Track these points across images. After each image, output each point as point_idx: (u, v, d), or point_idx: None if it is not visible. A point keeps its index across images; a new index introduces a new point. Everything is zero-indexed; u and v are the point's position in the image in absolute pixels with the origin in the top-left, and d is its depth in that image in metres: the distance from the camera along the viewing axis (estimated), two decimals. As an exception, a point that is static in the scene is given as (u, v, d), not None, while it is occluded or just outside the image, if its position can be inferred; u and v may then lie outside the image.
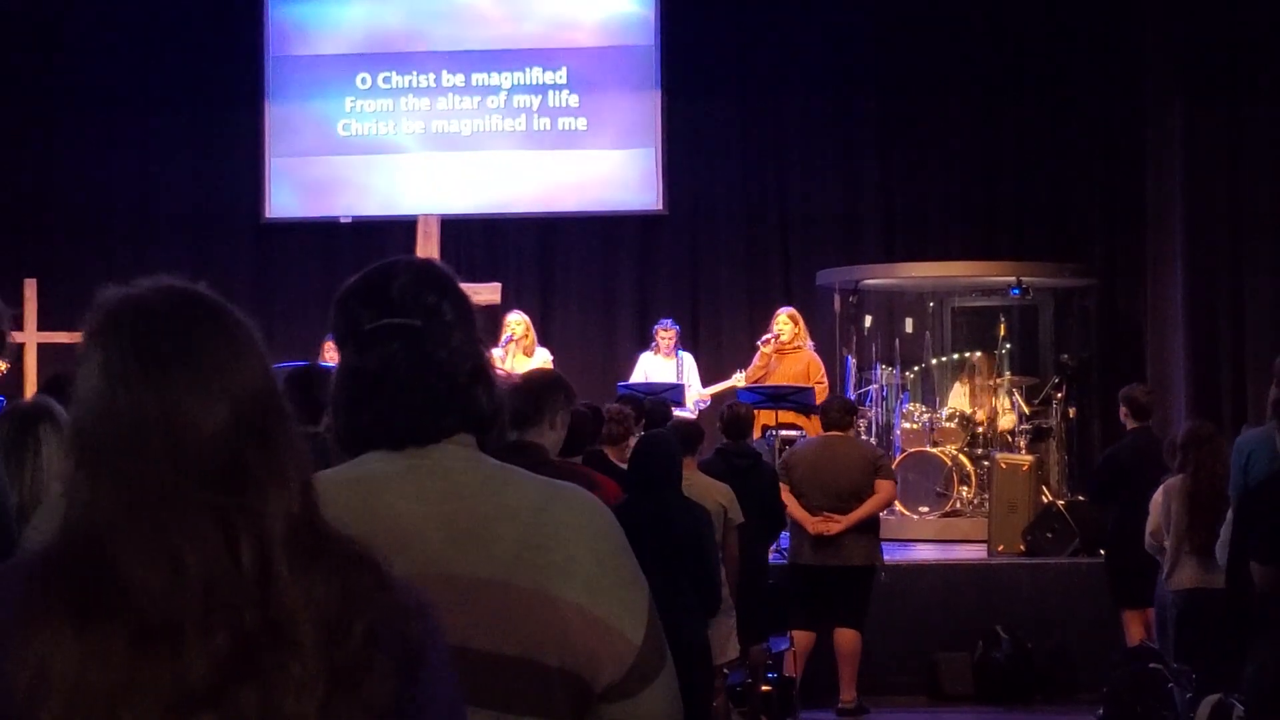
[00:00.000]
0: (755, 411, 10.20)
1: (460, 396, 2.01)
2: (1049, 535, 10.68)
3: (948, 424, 12.41)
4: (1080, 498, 11.16)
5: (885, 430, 12.84)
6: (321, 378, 6.19)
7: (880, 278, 13.52)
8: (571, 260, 14.62)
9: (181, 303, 1.53)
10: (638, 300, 14.38)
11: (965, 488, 12.21)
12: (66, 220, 14.55)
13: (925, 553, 11.39)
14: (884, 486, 9.38)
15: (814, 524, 9.11)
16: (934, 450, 12.28)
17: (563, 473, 4.69)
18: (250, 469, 1.46)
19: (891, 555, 10.98)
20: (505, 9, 14.59)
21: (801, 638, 9.20)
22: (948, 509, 12.16)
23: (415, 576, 1.87)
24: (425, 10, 14.67)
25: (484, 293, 10.88)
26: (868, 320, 13.49)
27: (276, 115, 14.60)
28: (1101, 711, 8.37)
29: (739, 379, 12.08)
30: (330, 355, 10.97)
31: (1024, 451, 11.93)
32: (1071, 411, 12.75)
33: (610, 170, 14.44)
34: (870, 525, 9.31)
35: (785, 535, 9.45)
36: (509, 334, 11.76)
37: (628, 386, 11.16)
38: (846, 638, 9.29)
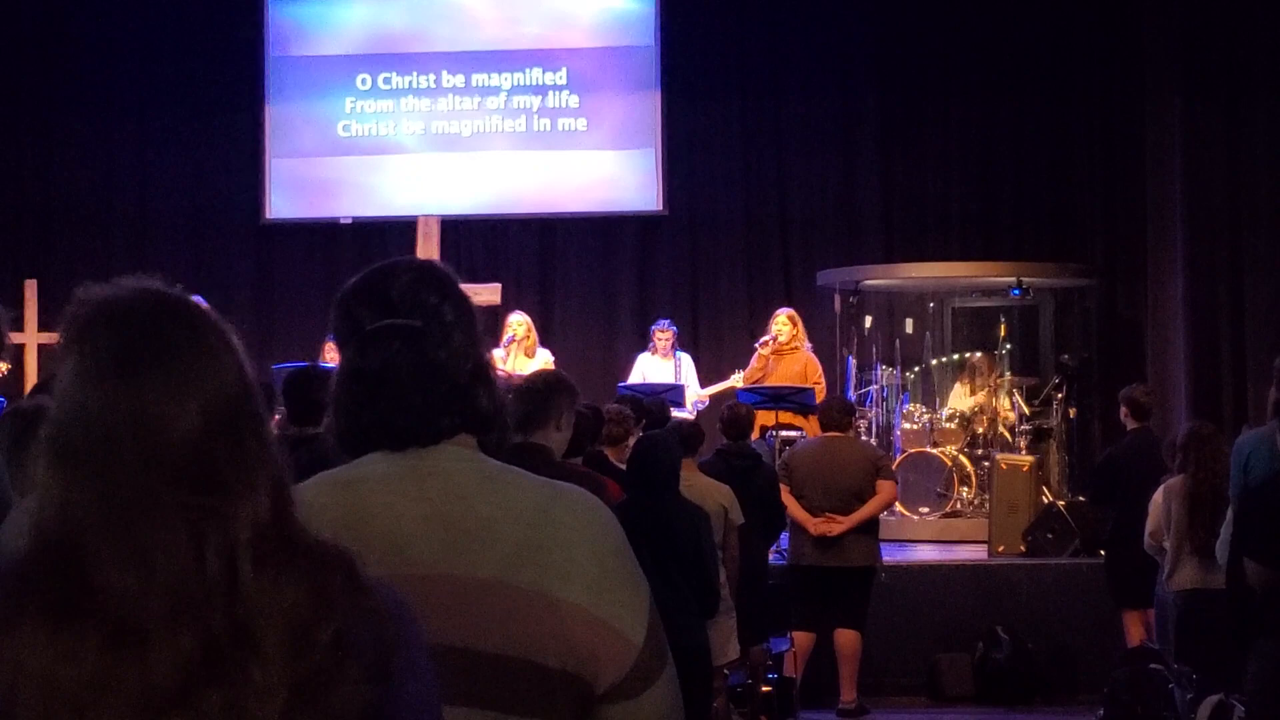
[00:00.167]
0: (755, 412, 10.19)
1: (461, 397, 2.01)
2: (1049, 536, 10.68)
3: (948, 424, 12.41)
4: (1080, 498, 11.16)
5: (885, 431, 12.84)
6: (321, 378, 6.19)
7: (880, 278, 13.52)
8: (571, 261, 14.62)
9: (154, 305, 1.53)
10: (638, 301, 14.38)
11: (965, 488, 12.21)
12: (66, 221, 14.55)
13: (926, 553, 11.39)
14: (885, 487, 9.38)
15: (816, 525, 9.11)
16: (934, 451, 12.28)
17: (570, 475, 4.70)
18: (220, 472, 1.46)
19: (892, 556, 10.98)
20: (505, 10, 14.59)
21: (801, 638, 9.20)
22: (948, 509, 12.16)
23: (415, 577, 1.88)
24: (425, 11, 14.67)
25: (484, 293, 10.88)
26: (868, 321, 13.49)
27: (276, 116, 14.61)
28: (1102, 712, 8.37)
29: (737, 380, 12.08)
30: (330, 356, 10.97)
31: (1024, 452, 11.92)
32: (1072, 412, 12.75)
33: (610, 171, 14.44)
34: (870, 525, 9.32)
35: (784, 536, 9.45)
36: (510, 335, 11.76)
37: (628, 387, 11.15)
38: (847, 638, 9.29)
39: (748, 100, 14.49)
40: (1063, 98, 14.08)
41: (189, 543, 1.42)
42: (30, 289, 11.18)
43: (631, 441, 6.99)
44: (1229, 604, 5.75)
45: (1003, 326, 13.19)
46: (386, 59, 14.57)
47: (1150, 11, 13.23)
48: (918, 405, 12.82)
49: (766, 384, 11.67)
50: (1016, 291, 12.86)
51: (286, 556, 1.47)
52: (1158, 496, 7.86)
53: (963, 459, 12.26)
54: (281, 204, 14.65)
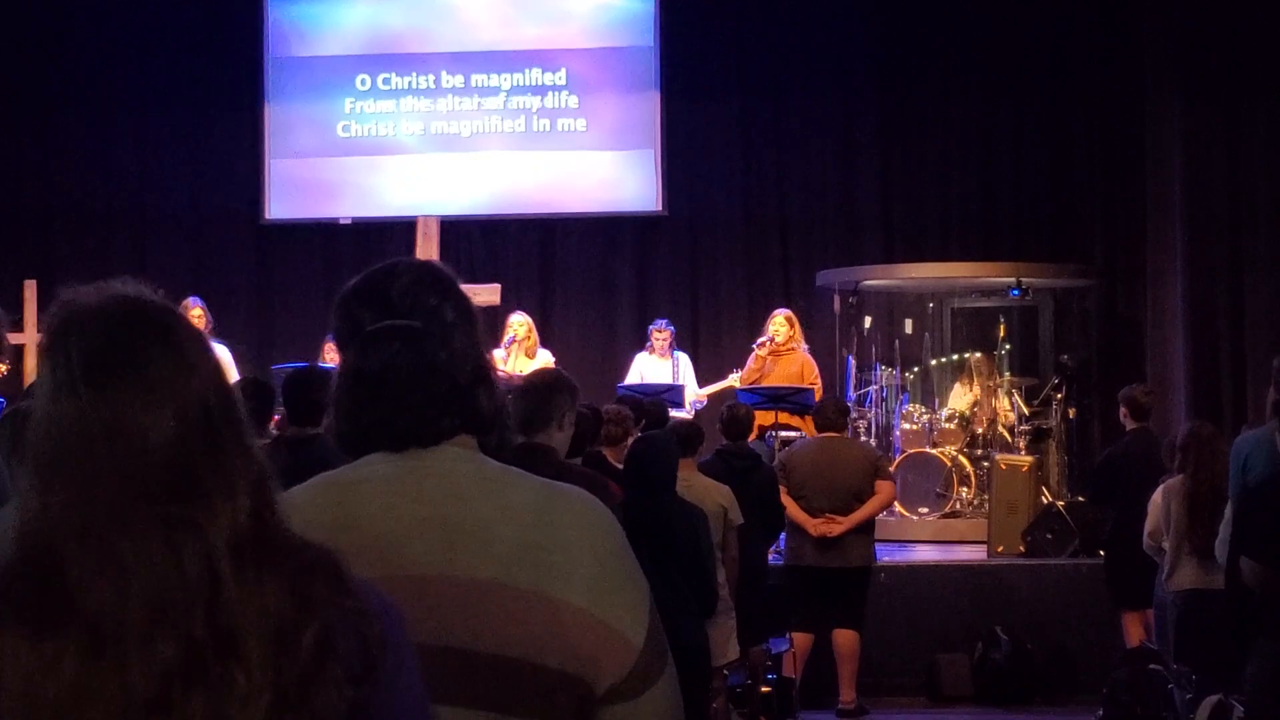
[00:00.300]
0: (754, 412, 10.19)
1: (461, 398, 2.01)
2: (1049, 536, 10.68)
3: (947, 425, 12.41)
4: (1080, 498, 11.16)
5: (885, 431, 12.84)
6: (321, 379, 6.21)
7: (880, 278, 13.52)
8: (571, 261, 14.62)
9: (127, 313, 1.52)
10: (637, 301, 14.38)
11: (965, 488, 12.21)
12: (66, 221, 14.55)
13: (925, 553, 11.39)
14: (884, 487, 9.40)
15: (816, 526, 9.11)
16: (934, 451, 12.28)
17: (575, 476, 4.70)
18: (197, 479, 1.46)
19: (891, 556, 11.00)
20: (504, 10, 14.59)
21: (800, 639, 9.20)
22: (947, 510, 12.16)
23: (415, 578, 1.88)
24: (425, 11, 14.67)
25: (483, 294, 10.86)
26: (867, 321, 13.49)
27: (276, 116, 14.61)
28: (1101, 712, 8.38)
29: (734, 380, 12.09)
30: (330, 356, 10.97)
31: (1024, 452, 11.93)
32: (1071, 412, 12.75)
33: (610, 171, 14.44)
34: (867, 526, 9.34)
35: (781, 536, 9.44)
36: (511, 335, 11.75)
37: (627, 388, 11.15)
38: (846, 638, 9.29)
39: (747, 100, 14.48)
40: (1063, 98, 14.08)
41: (166, 550, 1.43)
42: (30, 289, 11.17)
43: (630, 442, 6.99)
44: (1228, 604, 5.75)
45: (1002, 327, 13.19)
46: (386, 59, 14.57)
47: (1150, 11, 13.23)
48: (917, 405, 12.82)
49: (764, 384, 11.67)
50: (1016, 292, 12.86)
51: (268, 560, 1.47)
52: (1157, 497, 7.86)
53: (962, 459, 12.26)
54: (281, 204, 14.65)
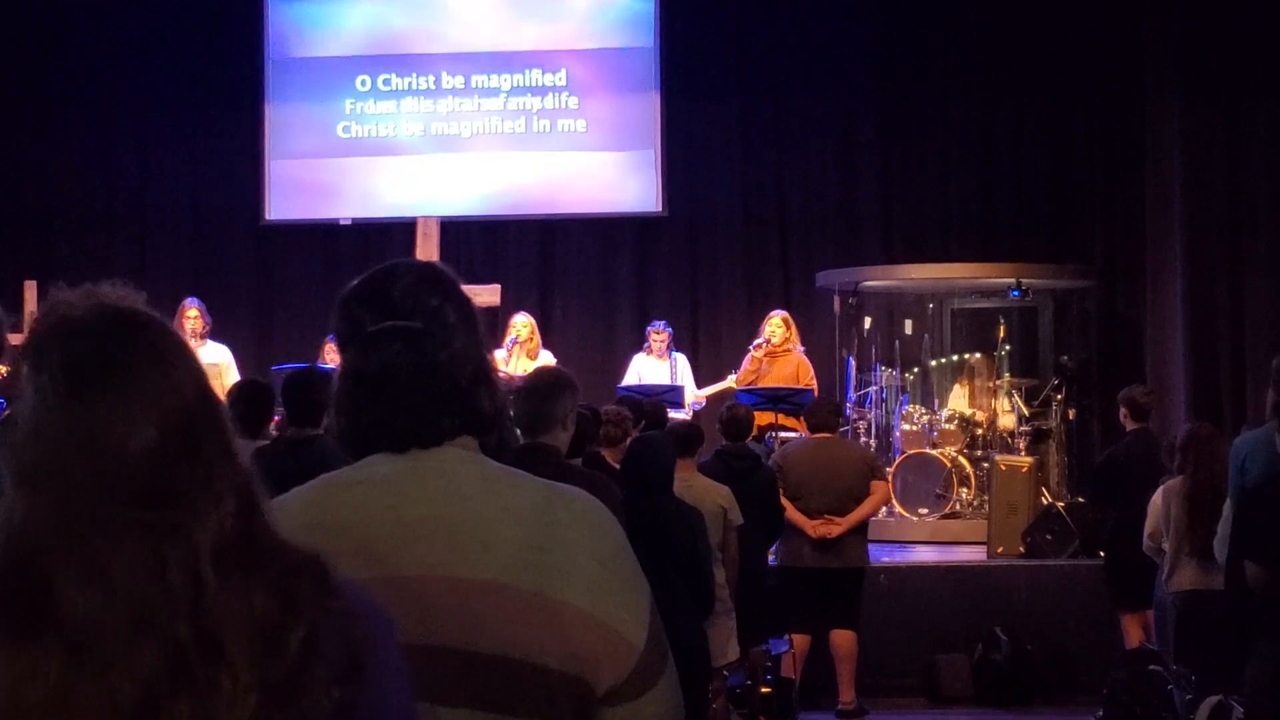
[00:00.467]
0: (754, 413, 10.19)
1: (462, 399, 2.01)
2: (1048, 537, 10.68)
3: (947, 426, 12.41)
4: (1080, 499, 11.16)
5: (885, 432, 12.84)
6: (321, 380, 6.21)
7: (880, 279, 13.52)
8: (571, 262, 14.62)
9: (110, 321, 1.53)
10: (637, 302, 14.38)
11: (965, 489, 12.21)
12: (67, 222, 14.55)
13: (925, 554, 11.39)
14: (879, 487, 9.44)
15: (815, 527, 9.11)
16: (934, 452, 12.28)
17: (577, 477, 4.70)
18: (180, 486, 1.47)
19: (891, 557, 11.01)
20: (504, 11, 14.59)
21: (798, 640, 9.20)
22: (947, 510, 12.16)
23: (416, 579, 1.89)
24: (425, 12, 14.68)
25: (484, 294, 10.86)
26: (867, 322, 13.49)
27: (276, 117, 14.61)
28: (1101, 713, 8.38)
29: (731, 381, 12.09)
30: (330, 357, 10.97)
31: (1023, 453, 11.93)
32: (1071, 413, 12.76)
33: (609, 172, 14.45)
34: (862, 526, 9.36)
35: (776, 537, 9.45)
36: (514, 336, 11.74)
37: (627, 389, 11.15)
38: (844, 638, 9.30)
39: (747, 101, 14.48)
40: (1063, 98, 14.08)
41: (149, 558, 1.43)
42: (30, 290, 11.17)
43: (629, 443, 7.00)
44: (1227, 605, 5.76)
45: (1002, 327, 13.19)
46: (386, 60, 14.57)
47: (1150, 12, 13.23)
48: (917, 406, 12.82)
49: (762, 385, 11.66)
50: (1016, 293, 12.87)
51: (253, 564, 1.48)
52: (1157, 498, 7.86)
53: (962, 460, 12.26)
54: (281, 205, 14.65)
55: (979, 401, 12.71)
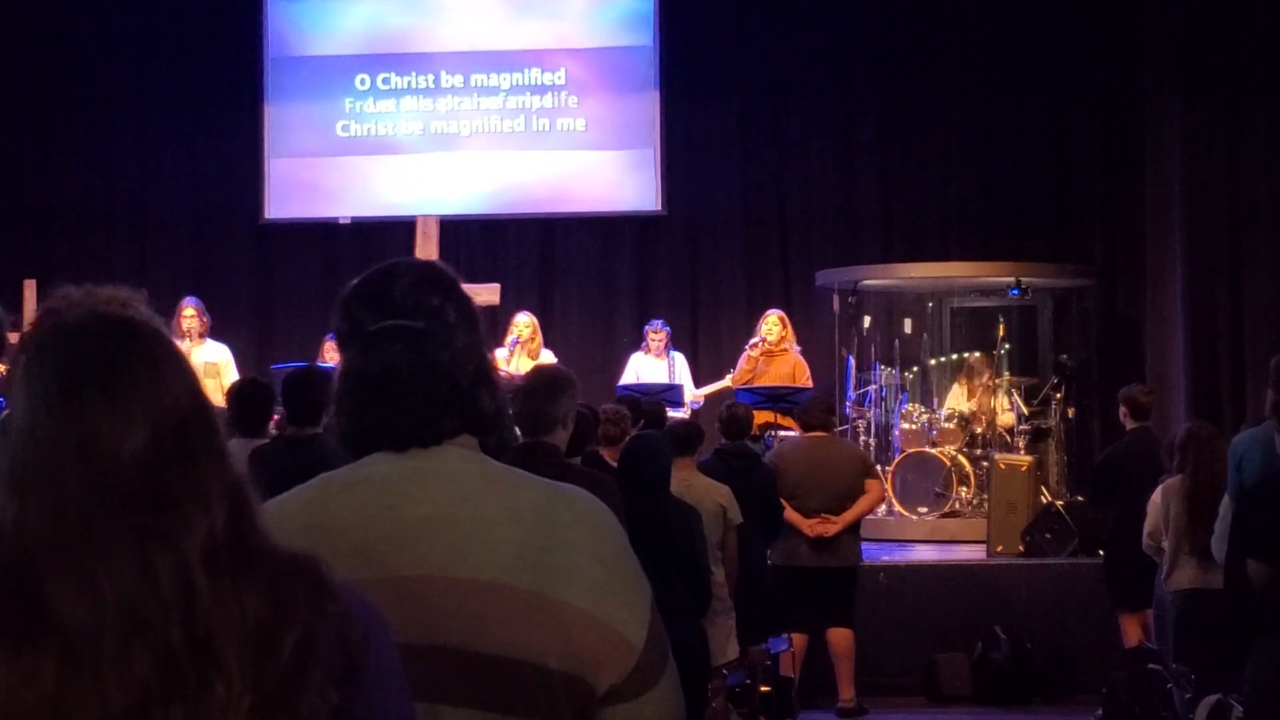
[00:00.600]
0: (754, 412, 10.20)
1: (462, 398, 2.01)
2: (1048, 536, 10.68)
3: (947, 424, 12.41)
4: (1079, 498, 11.17)
5: (884, 431, 12.85)
6: (321, 379, 6.21)
7: (879, 278, 13.52)
8: (570, 261, 14.62)
9: (102, 326, 1.54)
10: (637, 301, 14.38)
11: (964, 488, 12.21)
12: (66, 221, 14.56)
13: (924, 553, 11.40)
14: (874, 486, 9.49)
15: (811, 526, 9.12)
16: (933, 451, 12.28)
17: (578, 476, 4.70)
18: (171, 490, 1.47)
19: (891, 556, 11.01)
20: (504, 10, 14.59)
21: (796, 640, 9.20)
22: (947, 509, 12.16)
23: (417, 579, 1.89)
24: (424, 11, 14.68)
25: (483, 293, 10.86)
26: (867, 321, 13.49)
27: (275, 116, 14.61)
28: (1100, 712, 8.38)
29: (728, 380, 12.09)
30: (329, 355, 10.97)
31: (1023, 452, 11.93)
32: (1071, 412, 12.76)
33: (609, 171, 14.45)
34: (856, 524, 9.37)
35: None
36: (515, 335, 11.72)
37: (627, 388, 11.15)
38: (841, 636, 9.31)
39: (747, 100, 14.49)
40: (1063, 98, 14.08)
41: (139, 562, 1.44)
42: (30, 289, 11.18)
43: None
44: (1227, 603, 5.76)
45: (1001, 326, 13.19)
46: (386, 59, 14.57)
47: (1150, 12, 13.23)
48: (916, 405, 12.83)
49: (760, 385, 11.66)
50: (1015, 291, 12.87)
51: (245, 567, 1.49)
52: (1156, 497, 7.86)
53: (961, 459, 12.27)
54: (281, 204, 14.65)
55: (978, 400, 12.71)
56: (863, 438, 12.68)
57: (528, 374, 5.73)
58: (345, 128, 14.56)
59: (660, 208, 14.43)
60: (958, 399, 12.81)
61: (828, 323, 13.60)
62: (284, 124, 14.61)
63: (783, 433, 11.30)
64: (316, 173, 14.61)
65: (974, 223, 14.26)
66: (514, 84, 14.49)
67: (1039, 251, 13.72)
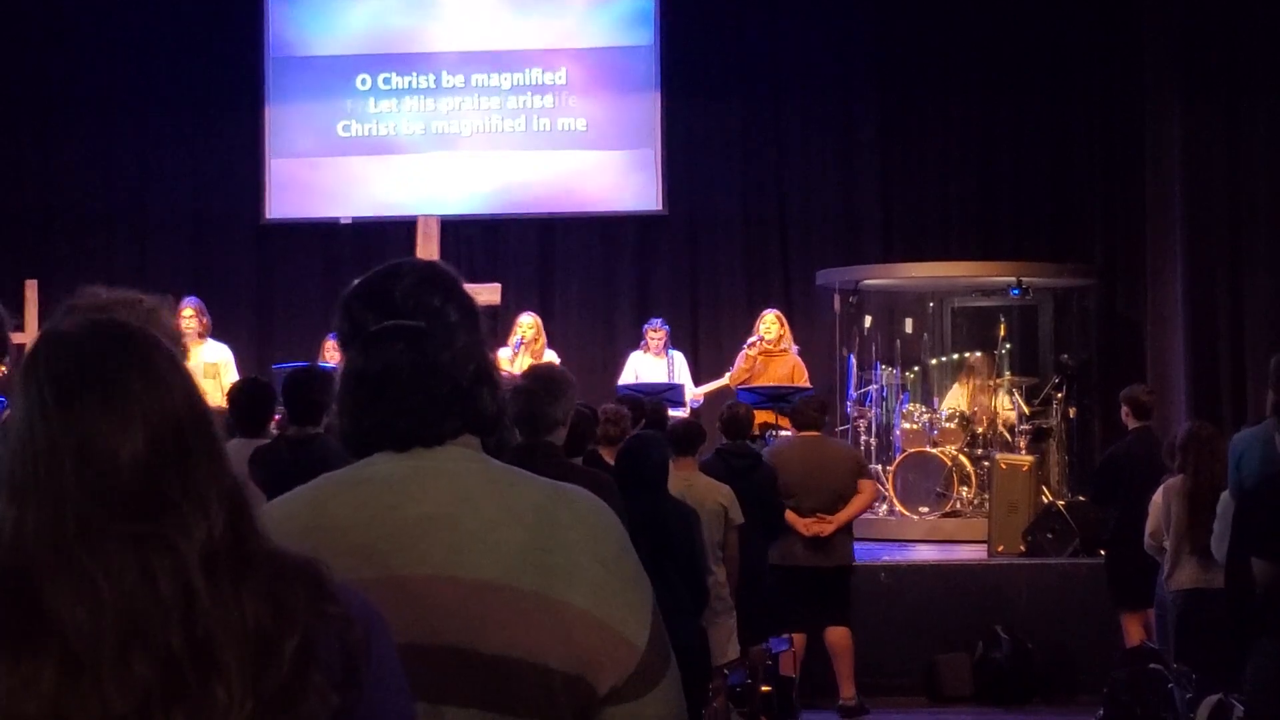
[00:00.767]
0: (755, 412, 10.19)
1: (464, 399, 2.01)
2: (1049, 535, 10.68)
3: (948, 424, 12.41)
4: (1080, 498, 11.17)
5: (885, 430, 12.85)
6: (321, 379, 6.21)
7: (880, 278, 13.52)
8: (571, 261, 14.62)
9: (98, 335, 1.55)
10: (637, 301, 14.38)
11: (965, 488, 12.21)
12: (67, 221, 14.55)
13: (925, 553, 11.39)
14: (866, 486, 9.50)
15: (807, 526, 9.12)
16: (934, 450, 12.28)
17: (579, 476, 4.70)
18: (169, 496, 1.48)
19: (891, 556, 11.01)
20: (505, 10, 14.59)
21: (796, 639, 9.20)
22: (947, 509, 12.16)
23: (419, 579, 1.89)
24: (425, 11, 14.68)
25: (484, 293, 10.84)
26: (867, 320, 13.49)
27: (276, 116, 14.61)
28: (1101, 712, 8.38)
29: (727, 379, 12.09)
30: (330, 355, 10.97)
31: (1024, 452, 11.93)
32: (1071, 411, 12.76)
33: (610, 171, 14.45)
34: (849, 524, 9.37)
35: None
36: (519, 336, 11.71)
37: (628, 388, 11.15)
38: (839, 635, 9.32)
39: (747, 100, 14.49)
40: (1063, 98, 14.08)
41: (138, 568, 1.44)
42: (31, 289, 11.18)
43: (627, 442, 6.99)
44: (1228, 603, 5.75)
45: (1002, 326, 13.19)
46: (386, 59, 14.57)
47: (1150, 11, 13.23)
48: (917, 405, 12.83)
49: (761, 384, 11.65)
50: (1016, 291, 12.87)
51: (244, 572, 1.49)
52: (1157, 497, 7.86)
53: (962, 459, 12.27)
54: (281, 204, 14.65)
55: (979, 400, 12.71)
56: (864, 437, 12.68)
57: (525, 374, 5.72)
58: (346, 128, 14.56)
59: (661, 208, 14.43)
60: (956, 398, 12.81)
61: (828, 323, 13.60)
62: (285, 124, 14.61)
63: (783, 432, 11.29)
64: (317, 173, 14.62)
65: (974, 223, 14.26)
66: (515, 84, 14.49)
67: (1039, 251, 13.72)
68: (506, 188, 14.45)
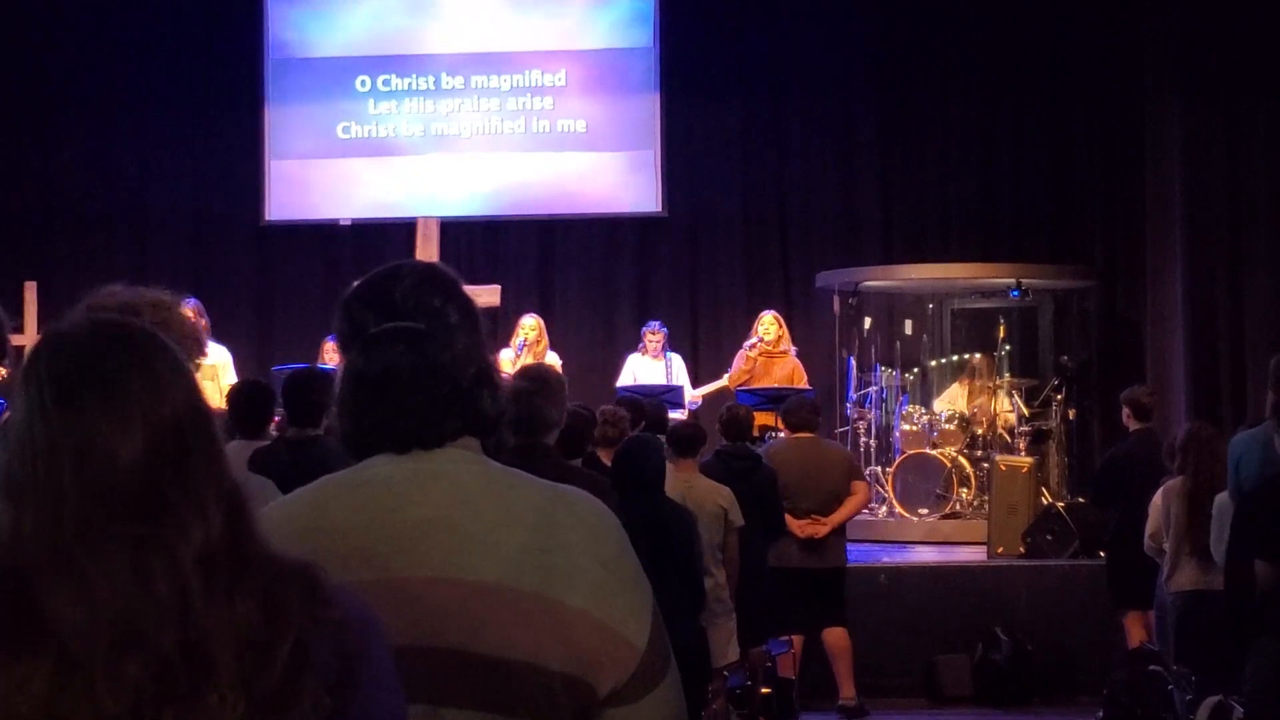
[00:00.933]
0: (754, 413, 10.19)
1: (464, 400, 2.01)
2: (1049, 537, 10.68)
3: (947, 426, 12.41)
4: (1080, 499, 11.16)
5: (885, 432, 12.84)
6: (321, 380, 6.21)
7: (880, 279, 13.52)
8: (571, 262, 14.62)
9: (99, 335, 1.55)
10: (637, 303, 14.37)
11: (965, 489, 12.21)
12: (67, 223, 14.55)
13: (925, 554, 11.39)
14: (860, 488, 9.50)
15: (802, 527, 9.12)
16: (934, 452, 12.28)
17: (577, 477, 4.70)
18: (166, 499, 1.48)
19: (891, 557, 11.01)
20: (504, 11, 14.59)
21: (795, 641, 9.20)
22: (947, 511, 12.16)
23: (419, 580, 1.89)
24: (425, 13, 14.67)
25: (484, 295, 10.85)
26: (867, 322, 13.49)
27: (276, 118, 14.61)
28: (1101, 713, 8.38)
29: (726, 380, 12.08)
30: (329, 357, 10.97)
31: (1024, 453, 11.93)
32: (1071, 413, 12.76)
33: (610, 173, 14.45)
34: (843, 526, 9.37)
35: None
36: (522, 338, 11.71)
37: (628, 389, 11.14)
38: (837, 635, 9.32)
39: (747, 101, 14.49)
40: (1063, 98, 14.08)
41: (133, 570, 1.44)
42: (30, 290, 11.18)
43: (626, 444, 6.99)
44: (1227, 604, 5.75)
45: (1002, 328, 13.19)
46: (386, 61, 14.57)
47: (1150, 11, 13.23)
48: (917, 406, 12.83)
49: (761, 385, 11.65)
50: (1016, 293, 12.87)
51: (240, 576, 1.49)
52: (1157, 498, 7.86)
53: (962, 460, 12.26)
54: (281, 205, 14.65)
55: (979, 401, 12.71)
56: (863, 439, 12.68)
57: (520, 374, 5.69)
58: (346, 129, 14.56)
59: (660, 209, 14.43)
60: (958, 400, 12.80)
61: (828, 324, 13.60)
62: (285, 125, 14.61)
63: (783, 434, 11.29)
64: (317, 174, 14.62)
65: (974, 223, 14.26)
66: (514, 85, 14.49)
67: (1039, 252, 13.72)
68: (506, 189, 14.45)
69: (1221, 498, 6.89)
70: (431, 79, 14.53)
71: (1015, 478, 11.22)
